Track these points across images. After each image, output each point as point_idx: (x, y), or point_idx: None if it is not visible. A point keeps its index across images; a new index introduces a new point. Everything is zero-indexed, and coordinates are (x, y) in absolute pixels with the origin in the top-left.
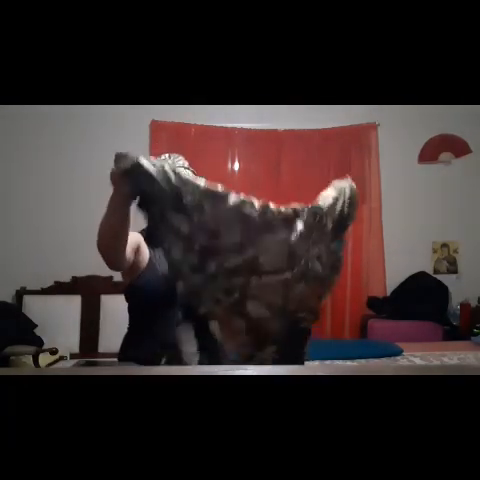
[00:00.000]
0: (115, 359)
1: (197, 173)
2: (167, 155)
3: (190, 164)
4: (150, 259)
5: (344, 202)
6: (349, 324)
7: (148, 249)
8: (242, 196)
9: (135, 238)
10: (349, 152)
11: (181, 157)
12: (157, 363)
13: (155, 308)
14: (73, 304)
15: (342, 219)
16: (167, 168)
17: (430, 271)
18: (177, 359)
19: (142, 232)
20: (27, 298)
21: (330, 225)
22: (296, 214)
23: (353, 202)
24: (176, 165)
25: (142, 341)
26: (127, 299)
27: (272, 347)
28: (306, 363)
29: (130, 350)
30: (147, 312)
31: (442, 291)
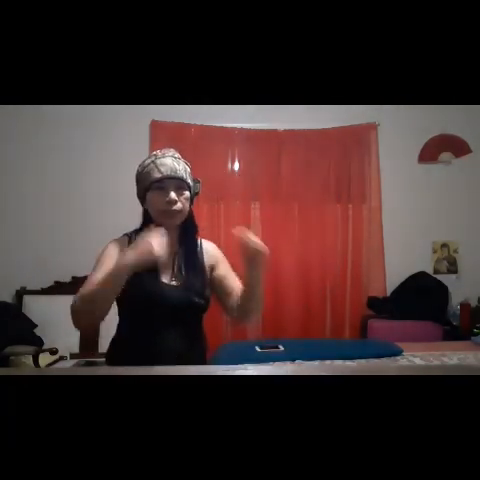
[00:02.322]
0: None
1: (196, 173)
2: (158, 151)
3: (191, 164)
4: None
5: None
6: (349, 324)
7: None
8: None
9: None
10: (349, 152)
11: (172, 150)
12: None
13: (147, 311)
14: None
15: None
16: None
17: (430, 271)
18: (166, 363)
19: (132, 233)
20: (27, 298)
21: None
22: None
23: None
24: (167, 155)
25: (132, 345)
26: (118, 304)
27: None
28: (306, 363)
29: (118, 355)
30: (138, 316)
31: (442, 291)
